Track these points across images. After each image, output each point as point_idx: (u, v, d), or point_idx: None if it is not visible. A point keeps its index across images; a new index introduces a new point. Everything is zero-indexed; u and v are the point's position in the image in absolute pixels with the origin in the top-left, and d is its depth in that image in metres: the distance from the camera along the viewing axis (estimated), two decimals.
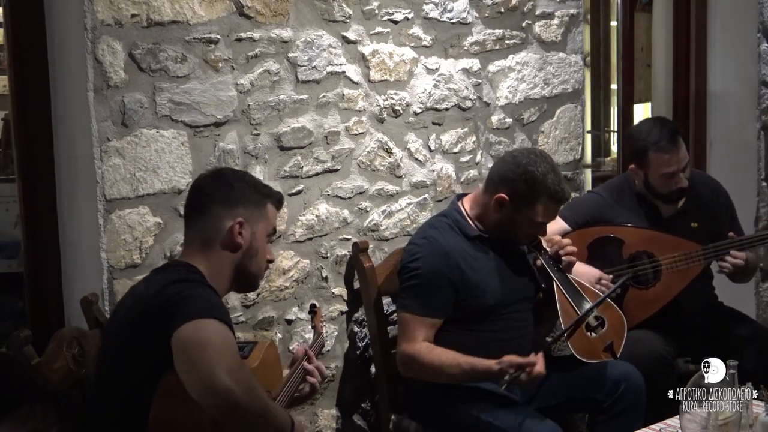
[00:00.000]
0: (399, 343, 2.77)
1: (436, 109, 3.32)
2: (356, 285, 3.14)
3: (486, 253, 2.82)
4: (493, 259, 2.83)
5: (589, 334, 2.81)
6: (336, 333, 3.14)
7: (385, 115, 3.18)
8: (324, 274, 3.10)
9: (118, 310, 2.21)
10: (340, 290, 3.15)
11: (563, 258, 2.81)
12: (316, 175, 3.04)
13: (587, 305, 2.80)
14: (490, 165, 3.25)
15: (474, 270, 2.77)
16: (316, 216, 3.05)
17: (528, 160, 2.74)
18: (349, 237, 3.14)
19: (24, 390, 1.46)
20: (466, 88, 3.39)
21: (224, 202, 2.17)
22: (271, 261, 2.29)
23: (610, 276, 3.01)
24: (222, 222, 2.15)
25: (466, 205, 2.87)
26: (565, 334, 2.77)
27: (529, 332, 2.88)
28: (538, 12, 3.57)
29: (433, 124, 3.32)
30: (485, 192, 2.82)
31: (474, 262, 2.78)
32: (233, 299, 2.88)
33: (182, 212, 2.69)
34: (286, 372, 2.42)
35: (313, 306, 2.77)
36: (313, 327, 2.72)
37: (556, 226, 3.24)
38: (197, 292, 2.01)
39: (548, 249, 2.82)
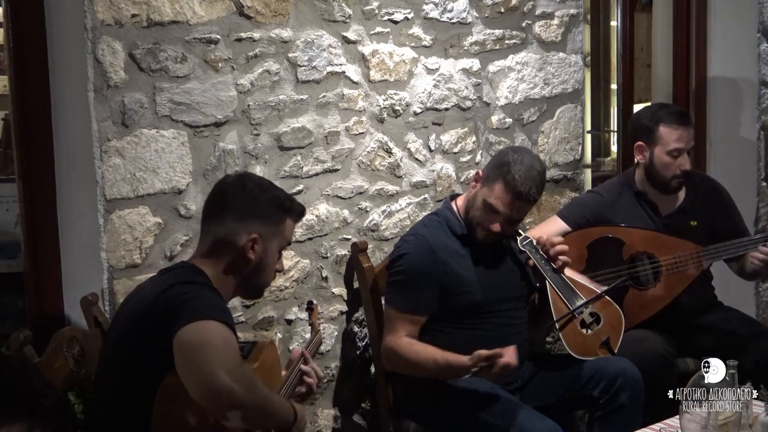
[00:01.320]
0: (383, 337, 2.83)
1: (436, 109, 3.32)
2: (356, 285, 3.14)
3: (475, 251, 2.84)
4: (481, 257, 2.85)
5: (584, 331, 2.83)
6: (336, 333, 3.15)
7: (385, 115, 3.18)
8: (324, 274, 3.10)
9: (122, 309, 2.20)
10: (340, 290, 3.15)
11: (557, 259, 2.83)
12: (316, 175, 3.04)
13: (580, 302, 2.82)
14: None
15: (460, 267, 2.80)
16: (316, 216, 3.05)
17: (515, 151, 2.82)
18: (349, 237, 3.14)
19: (23, 404, 1.43)
20: (466, 88, 3.39)
21: (243, 214, 2.15)
22: (279, 271, 2.28)
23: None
24: (237, 235, 2.14)
25: (458, 205, 2.91)
26: (556, 326, 2.80)
27: (523, 330, 2.89)
28: (538, 12, 3.57)
29: (433, 124, 3.32)
30: (470, 199, 2.87)
31: (461, 259, 2.81)
32: (233, 299, 2.87)
33: (182, 212, 2.70)
34: (284, 373, 2.43)
35: (310, 303, 2.78)
36: (311, 324, 2.73)
37: (555, 226, 3.24)
38: (201, 294, 2.01)
39: (539, 248, 2.84)
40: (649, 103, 5.22)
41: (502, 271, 2.89)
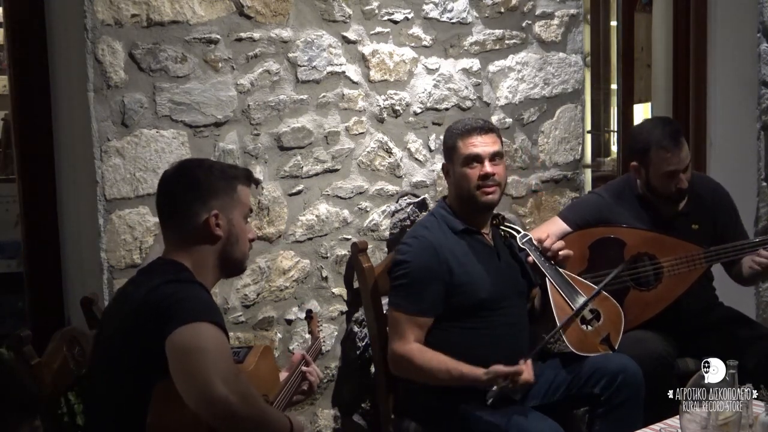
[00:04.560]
0: (390, 342, 2.81)
1: (436, 109, 3.32)
2: (356, 285, 3.14)
3: (476, 248, 2.85)
4: (483, 253, 2.85)
5: (584, 327, 2.83)
6: (336, 333, 3.15)
7: (385, 115, 3.19)
8: (324, 274, 3.10)
9: (109, 315, 2.18)
10: (340, 290, 3.15)
11: (557, 255, 2.83)
12: (316, 175, 3.04)
13: (581, 299, 2.83)
14: None
15: (464, 264, 2.80)
16: (316, 216, 3.05)
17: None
18: (349, 237, 3.14)
19: (29, 402, 1.44)
20: (466, 88, 3.39)
21: (195, 197, 2.12)
22: (252, 240, 2.25)
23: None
24: (197, 218, 2.11)
25: (451, 203, 2.92)
26: (561, 331, 2.80)
27: (524, 328, 2.90)
28: (538, 12, 3.57)
29: (433, 124, 3.32)
30: (448, 185, 2.95)
31: (464, 256, 2.81)
32: (233, 299, 2.88)
33: None
34: (284, 375, 2.43)
35: (309, 312, 2.77)
36: (310, 332, 2.72)
37: (556, 227, 3.24)
38: (190, 293, 1.99)
39: (538, 245, 2.84)
40: (647, 103, 5.24)
41: (504, 268, 2.89)
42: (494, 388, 2.55)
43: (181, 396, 1.87)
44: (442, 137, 3.32)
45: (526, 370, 2.56)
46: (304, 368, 2.42)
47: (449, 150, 2.89)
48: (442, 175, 3.32)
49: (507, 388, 2.56)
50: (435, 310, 2.77)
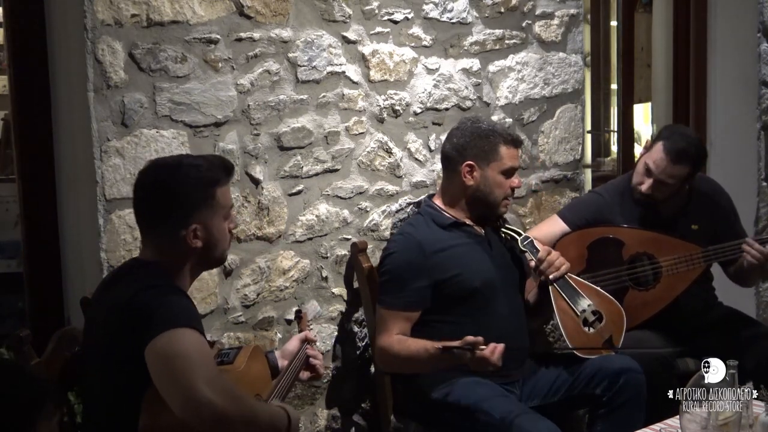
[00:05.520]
0: (376, 339, 2.82)
1: (436, 109, 3.32)
2: (356, 285, 3.14)
3: (464, 240, 2.87)
4: (474, 243, 2.88)
5: (587, 329, 2.83)
6: (336, 333, 3.14)
7: (385, 115, 3.19)
8: (324, 274, 3.10)
9: (92, 320, 2.16)
10: (340, 290, 3.15)
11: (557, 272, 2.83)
12: (316, 175, 3.04)
13: (583, 301, 2.83)
14: None
15: (455, 256, 2.81)
16: (316, 216, 3.05)
17: (469, 125, 2.91)
18: (349, 237, 3.14)
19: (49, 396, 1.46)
20: (466, 88, 3.39)
21: (173, 211, 2.07)
22: (234, 228, 2.20)
23: None
24: (176, 233, 2.07)
25: (437, 201, 2.94)
26: (563, 332, 2.80)
27: (520, 315, 2.90)
28: (538, 12, 3.57)
29: (433, 124, 3.32)
30: (447, 178, 2.94)
31: (454, 249, 2.83)
32: (233, 299, 2.88)
33: None
34: (284, 363, 2.44)
35: (298, 311, 2.77)
36: (300, 332, 2.73)
37: (556, 226, 3.24)
38: (167, 299, 1.97)
39: (539, 248, 2.83)
40: (647, 103, 5.24)
41: (497, 259, 2.90)
42: (455, 350, 2.48)
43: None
44: (442, 137, 3.33)
45: (491, 349, 2.46)
46: (309, 351, 2.44)
47: (488, 150, 2.84)
48: (441, 175, 3.33)
49: (465, 356, 2.47)
50: (420, 303, 2.79)
